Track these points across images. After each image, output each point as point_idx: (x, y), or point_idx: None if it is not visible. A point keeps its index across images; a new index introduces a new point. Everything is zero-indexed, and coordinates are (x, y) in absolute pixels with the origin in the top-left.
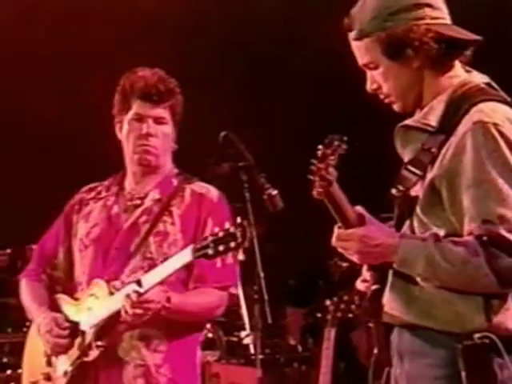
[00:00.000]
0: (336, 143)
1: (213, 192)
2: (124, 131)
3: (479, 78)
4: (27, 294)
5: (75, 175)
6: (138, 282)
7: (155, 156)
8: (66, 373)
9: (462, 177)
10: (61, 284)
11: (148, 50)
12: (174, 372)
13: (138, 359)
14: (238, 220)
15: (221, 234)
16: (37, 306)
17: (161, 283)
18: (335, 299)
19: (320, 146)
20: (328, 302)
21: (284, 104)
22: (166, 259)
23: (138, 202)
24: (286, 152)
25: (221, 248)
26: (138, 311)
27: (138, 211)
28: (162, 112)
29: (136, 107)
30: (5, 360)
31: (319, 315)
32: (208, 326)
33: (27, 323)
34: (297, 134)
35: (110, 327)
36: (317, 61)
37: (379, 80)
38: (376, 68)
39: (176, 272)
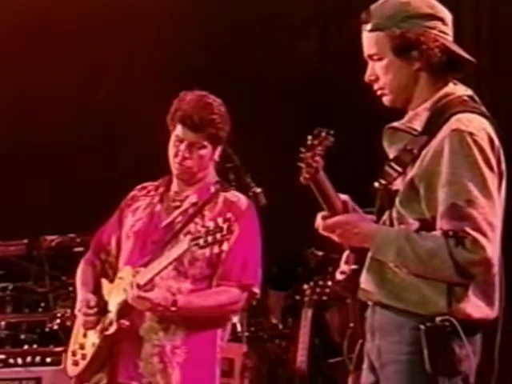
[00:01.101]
0: (323, 135)
1: (243, 201)
2: (169, 147)
3: (463, 91)
4: (78, 276)
5: (81, 175)
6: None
7: (189, 174)
8: (93, 344)
9: (439, 177)
10: (113, 268)
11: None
12: (189, 353)
13: (156, 339)
14: (228, 215)
15: (211, 227)
16: (81, 287)
17: (163, 270)
18: (311, 284)
19: (309, 137)
20: (305, 286)
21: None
22: (168, 251)
23: (178, 203)
24: (272, 152)
25: (209, 239)
26: (138, 299)
27: (176, 212)
28: (198, 138)
29: (177, 130)
30: (22, 337)
31: (298, 297)
32: None
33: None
34: (279, 136)
35: (127, 308)
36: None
37: (379, 72)
38: (379, 60)
39: (175, 260)
